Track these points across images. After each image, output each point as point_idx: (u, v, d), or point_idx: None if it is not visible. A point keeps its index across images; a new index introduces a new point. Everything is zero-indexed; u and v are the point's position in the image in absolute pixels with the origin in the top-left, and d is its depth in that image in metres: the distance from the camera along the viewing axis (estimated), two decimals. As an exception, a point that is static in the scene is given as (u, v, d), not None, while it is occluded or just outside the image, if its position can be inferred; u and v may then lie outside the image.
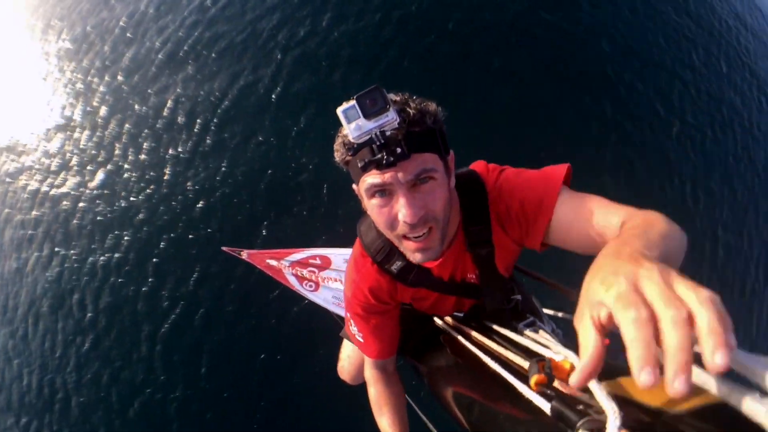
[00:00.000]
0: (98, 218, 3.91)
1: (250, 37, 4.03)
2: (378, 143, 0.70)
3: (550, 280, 1.15)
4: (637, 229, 0.61)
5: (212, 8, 4.35)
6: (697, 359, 0.33)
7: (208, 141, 3.82)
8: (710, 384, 0.38)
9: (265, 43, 3.98)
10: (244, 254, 3.06)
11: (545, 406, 0.59)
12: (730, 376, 0.35)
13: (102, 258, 3.76)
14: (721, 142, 4.58)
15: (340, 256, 3.04)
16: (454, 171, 0.86)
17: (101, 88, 4.44)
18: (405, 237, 0.81)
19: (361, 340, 1.15)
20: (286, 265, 3.01)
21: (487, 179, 0.93)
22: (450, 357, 1.16)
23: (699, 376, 0.38)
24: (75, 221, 3.97)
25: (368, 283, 1.05)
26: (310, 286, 2.98)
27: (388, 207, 0.77)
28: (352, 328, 1.15)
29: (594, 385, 0.52)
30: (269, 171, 3.64)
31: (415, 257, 0.84)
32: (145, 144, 3.99)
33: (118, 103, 4.29)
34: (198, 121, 3.90)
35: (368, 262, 1.03)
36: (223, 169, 3.71)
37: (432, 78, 3.81)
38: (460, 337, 1.06)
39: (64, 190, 4.16)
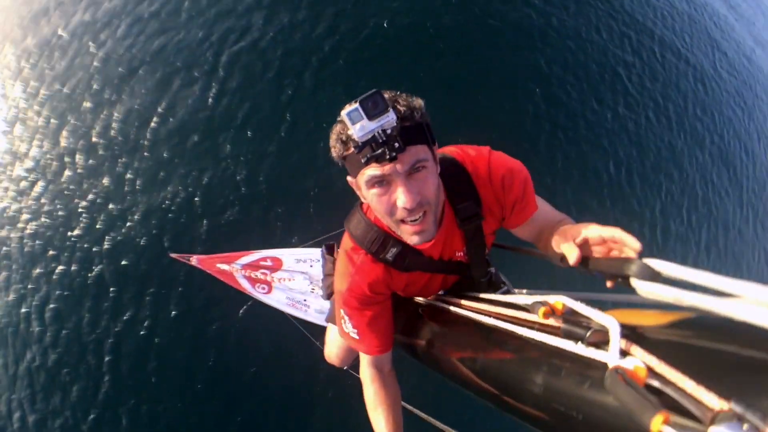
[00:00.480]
0: (42, 226, 3.73)
1: (200, 40, 3.93)
2: (381, 140, 0.77)
3: (524, 249, 1.25)
4: (567, 226, 0.93)
5: (164, 13, 4.21)
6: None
7: (155, 146, 3.70)
8: (682, 297, 0.54)
9: (204, 45, 3.90)
10: (194, 260, 3.02)
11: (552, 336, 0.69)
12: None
13: (45, 267, 3.60)
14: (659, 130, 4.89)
15: (291, 256, 3.06)
16: (438, 159, 0.94)
17: (45, 94, 4.22)
18: (403, 222, 0.89)
19: (357, 337, 1.15)
20: (238, 269, 3.00)
21: (466, 161, 1.03)
22: (442, 327, 1.18)
23: (671, 293, 0.56)
24: (17, 232, 3.78)
25: (364, 274, 1.08)
26: (263, 289, 2.99)
27: (387, 195, 0.85)
28: (346, 326, 1.16)
29: (592, 310, 0.66)
30: (214, 173, 3.57)
31: (413, 239, 0.92)
32: (89, 149, 3.83)
33: (63, 110, 4.09)
34: (138, 124, 3.76)
35: (362, 253, 1.08)
36: (168, 173, 3.61)
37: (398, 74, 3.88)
38: (452, 308, 1.11)
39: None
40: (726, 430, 0.41)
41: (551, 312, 0.73)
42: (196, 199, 3.51)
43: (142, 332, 3.36)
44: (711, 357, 0.51)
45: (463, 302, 1.09)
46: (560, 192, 4.03)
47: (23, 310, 3.63)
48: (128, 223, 3.52)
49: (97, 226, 3.57)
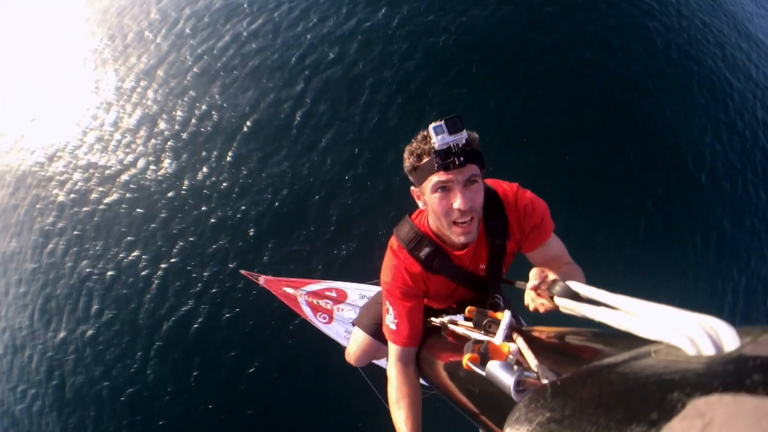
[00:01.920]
0: (115, 226, 4.00)
1: (294, 62, 4.10)
2: (453, 150, 1.02)
3: (518, 282, 1.34)
4: (564, 269, 1.23)
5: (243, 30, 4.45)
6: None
7: (239, 164, 3.89)
8: (576, 307, 0.72)
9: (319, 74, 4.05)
10: (261, 279, 3.08)
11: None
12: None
13: (115, 267, 3.84)
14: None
15: (356, 291, 3.04)
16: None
17: (133, 99, 4.57)
18: (455, 223, 1.10)
19: (394, 327, 1.31)
20: (302, 294, 3.02)
21: (499, 190, 1.27)
22: (443, 340, 1.33)
23: (569, 304, 0.75)
24: (91, 229, 4.08)
25: (406, 265, 1.27)
26: (324, 318, 2.98)
27: (447, 199, 1.07)
28: (388, 317, 1.33)
29: (505, 314, 0.89)
30: (297, 200, 3.67)
31: (460, 239, 1.13)
32: (175, 154, 4.07)
33: (148, 114, 4.41)
34: (225, 138, 3.97)
35: (404, 250, 1.28)
36: (254, 193, 3.75)
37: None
38: (451, 326, 1.25)
39: (83, 194, 4.28)
40: (496, 365, 0.64)
41: (474, 311, 1.00)
42: (272, 220, 3.61)
43: (192, 336, 3.48)
44: (567, 348, 0.71)
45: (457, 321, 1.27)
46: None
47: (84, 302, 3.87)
48: (201, 232, 3.68)
49: (173, 231, 3.75)
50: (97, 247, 4.05)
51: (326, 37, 4.24)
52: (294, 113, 3.97)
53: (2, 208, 5.00)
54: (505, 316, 0.87)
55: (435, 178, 1.05)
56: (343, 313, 3.03)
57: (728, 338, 0.36)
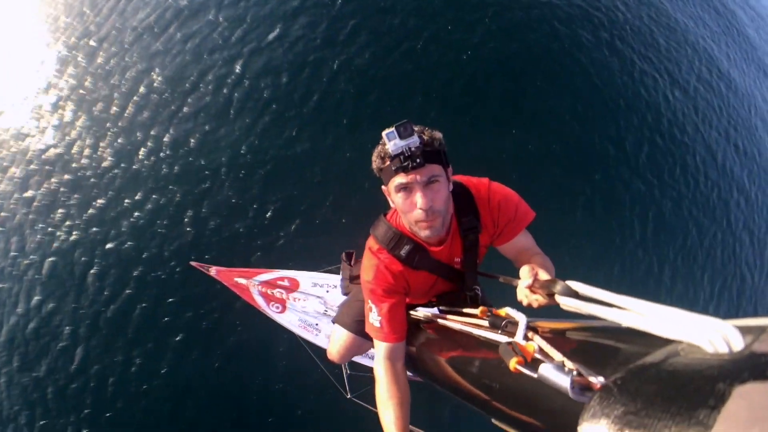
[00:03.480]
0: (56, 212, 3.82)
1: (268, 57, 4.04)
2: (407, 154, 1.07)
3: (502, 276, 1.41)
4: (539, 260, 1.28)
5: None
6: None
7: (185, 149, 3.78)
8: (581, 306, 0.76)
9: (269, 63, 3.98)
10: (213, 270, 3.04)
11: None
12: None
13: (67, 260, 3.68)
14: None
15: (309, 279, 3.06)
16: (451, 180, 1.22)
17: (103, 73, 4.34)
18: (418, 220, 1.15)
19: (378, 325, 1.34)
20: (255, 284, 3.01)
21: (470, 186, 1.31)
22: (431, 335, 1.41)
23: (576, 303, 0.78)
24: (30, 216, 3.88)
25: (386, 264, 1.32)
26: (277, 308, 2.99)
27: (409, 199, 1.13)
28: (372, 316, 1.36)
29: (516, 313, 0.97)
30: (246, 189, 3.62)
31: (425, 233, 1.19)
32: (114, 140, 3.91)
33: (85, 95, 4.20)
34: (186, 136, 3.86)
35: (383, 250, 1.32)
36: (201, 187, 3.67)
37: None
38: (440, 320, 1.34)
39: (21, 180, 4.05)
40: (550, 368, 0.67)
41: (486, 312, 1.04)
42: (221, 209, 3.55)
43: (154, 333, 3.40)
44: (585, 344, 0.77)
45: (450, 317, 1.33)
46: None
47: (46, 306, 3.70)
48: (155, 227, 3.59)
49: (123, 227, 3.63)
50: (37, 236, 3.86)
51: (270, 16, 4.18)
52: (242, 93, 3.90)
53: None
54: (521, 318, 0.92)
55: (396, 180, 1.12)
56: (296, 302, 3.05)
57: (735, 339, 0.44)
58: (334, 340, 2.12)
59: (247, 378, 3.32)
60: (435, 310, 1.50)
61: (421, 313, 1.53)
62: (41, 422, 3.37)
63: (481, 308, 1.15)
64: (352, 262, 2.14)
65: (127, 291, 3.47)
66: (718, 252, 4.83)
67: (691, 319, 0.51)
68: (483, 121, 4.05)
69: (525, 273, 1.02)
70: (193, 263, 3.08)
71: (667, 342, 0.54)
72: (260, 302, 3.01)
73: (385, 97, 3.94)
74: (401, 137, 1.06)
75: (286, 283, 3.03)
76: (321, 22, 4.17)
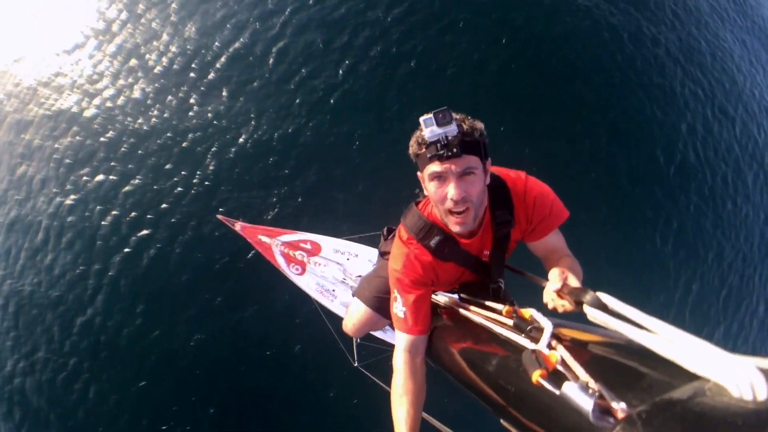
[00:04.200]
0: (106, 172, 3.91)
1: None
2: (443, 143, 1.04)
3: (529, 274, 1.40)
4: (568, 263, 1.22)
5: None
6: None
7: (238, 109, 3.84)
8: (609, 322, 0.74)
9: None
10: (238, 226, 3.08)
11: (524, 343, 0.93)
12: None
13: (102, 212, 3.77)
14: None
15: (331, 244, 3.08)
16: (489, 172, 1.17)
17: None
18: (450, 212, 1.12)
19: (402, 315, 1.31)
20: (277, 244, 3.04)
21: (507, 179, 1.27)
22: (447, 322, 1.38)
23: (604, 318, 0.76)
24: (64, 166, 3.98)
25: (416, 254, 1.29)
26: (297, 269, 3.02)
27: (442, 188, 1.09)
28: (396, 305, 1.33)
29: (542, 317, 0.93)
30: (284, 153, 3.66)
31: (456, 228, 1.17)
32: (164, 101, 3.99)
33: (126, 46, 4.28)
34: (225, 88, 3.91)
35: (413, 240, 1.30)
36: (241, 142, 3.72)
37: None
38: (461, 311, 1.31)
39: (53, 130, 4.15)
40: (574, 387, 0.65)
41: (512, 312, 0.99)
42: (254, 168, 3.60)
43: (160, 277, 3.49)
44: (608, 362, 0.75)
45: (472, 308, 1.30)
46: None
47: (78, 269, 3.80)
48: (181, 171, 3.67)
49: (155, 166, 3.72)
50: (69, 187, 3.96)
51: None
52: (282, 67, 3.92)
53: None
54: (547, 325, 0.89)
55: (431, 168, 1.08)
56: (316, 267, 3.07)
57: (761, 387, 0.43)
58: (351, 313, 2.11)
59: (258, 337, 3.38)
60: (456, 297, 1.48)
61: (441, 298, 1.51)
62: (69, 384, 3.48)
63: (506, 307, 1.11)
64: (388, 238, 2.09)
65: (156, 244, 3.56)
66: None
67: (720, 357, 0.49)
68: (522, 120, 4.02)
69: (554, 276, 1.00)
70: (219, 216, 3.13)
71: (693, 376, 0.52)
72: (281, 262, 3.04)
73: (427, 74, 3.94)
74: (439, 124, 1.02)
75: (308, 246, 3.06)
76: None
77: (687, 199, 4.44)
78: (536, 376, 0.75)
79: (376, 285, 1.88)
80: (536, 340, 0.88)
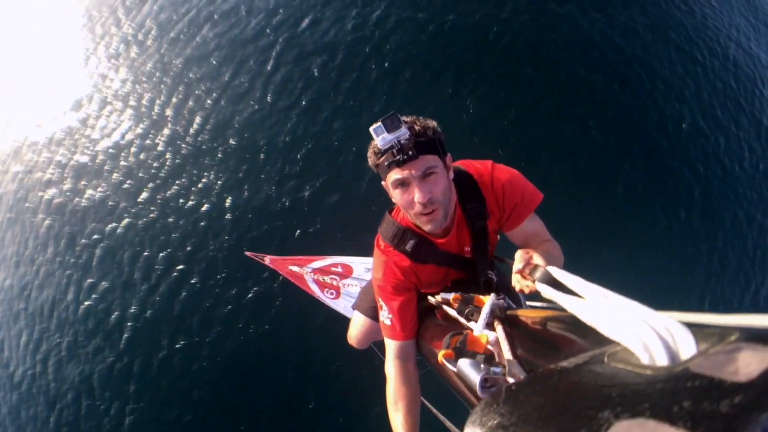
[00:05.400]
0: (121, 219, 3.99)
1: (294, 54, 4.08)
2: (397, 148, 1.03)
3: (507, 260, 1.37)
4: (544, 247, 1.25)
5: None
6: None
7: (236, 144, 3.87)
8: (551, 295, 0.71)
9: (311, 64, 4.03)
10: (267, 260, 3.10)
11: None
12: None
13: (126, 247, 3.85)
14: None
15: (361, 264, 3.07)
16: (451, 167, 1.17)
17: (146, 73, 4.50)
18: (419, 215, 1.12)
19: (389, 323, 1.32)
20: (308, 272, 3.04)
21: (473, 171, 1.26)
22: (437, 322, 1.34)
23: (551, 292, 0.72)
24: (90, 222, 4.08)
25: (395, 260, 1.30)
26: (331, 294, 3.02)
27: (407, 194, 1.09)
28: (383, 314, 1.34)
29: (488, 300, 0.92)
30: (298, 178, 3.67)
31: (427, 227, 1.18)
32: (185, 141, 4.05)
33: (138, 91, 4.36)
34: (228, 125, 3.94)
35: (390, 247, 1.30)
36: (250, 175, 3.74)
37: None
38: (444, 307, 1.26)
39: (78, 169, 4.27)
40: (466, 363, 0.66)
41: (452, 357, 0.95)
42: (273, 200, 3.61)
43: (205, 319, 3.53)
44: (545, 338, 0.72)
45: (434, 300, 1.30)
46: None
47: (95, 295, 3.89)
48: (211, 217, 3.70)
49: (181, 219, 3.75)
50: (92, 224, 4.08)
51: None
52: (300, 101, 3.95)
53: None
54: (486, 306, 0.89)
55: (392, 176, 1.08)
56: (350, 288, 3.06)
57: (685, 345, 0.35)
58: (352, 325, 2.17)
59: (296, 356, 3.42)
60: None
61: (434, 299, 1.48)
62: (89, 399, 3.61)
63: (453, 296, 1.12)
64: None
65: (187, 283, 3.61)
66: None
67: (640, 316, 0.42)
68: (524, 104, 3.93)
69: (518, 257, 0.98)
70: (247, 253, 3.15)
71: (610, 342, 0.45)
72: (315, 289, 3.04)
73: (423, 74, 3.89)
74: (389, 130, 1.01)
75: (339, 269, 3.05)
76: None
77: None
78: (440, 356, 0.80)
79: (372, 295, 1.91)
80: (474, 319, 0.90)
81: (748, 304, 4.15)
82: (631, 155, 3.98)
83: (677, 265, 3.94)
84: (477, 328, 0.84)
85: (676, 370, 0.32)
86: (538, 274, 0.85)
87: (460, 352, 0.78)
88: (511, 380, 0.58)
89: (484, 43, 4.05)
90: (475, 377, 0.63)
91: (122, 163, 4.19)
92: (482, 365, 0.66)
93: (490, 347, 0.75)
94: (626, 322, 0.42)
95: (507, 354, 0.69)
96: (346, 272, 3.04)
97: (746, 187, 4.36)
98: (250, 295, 3.48)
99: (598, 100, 4.05)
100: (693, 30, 4.77)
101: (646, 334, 0.38)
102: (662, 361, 0.34)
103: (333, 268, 3.05)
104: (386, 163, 1.06)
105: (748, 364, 0.27)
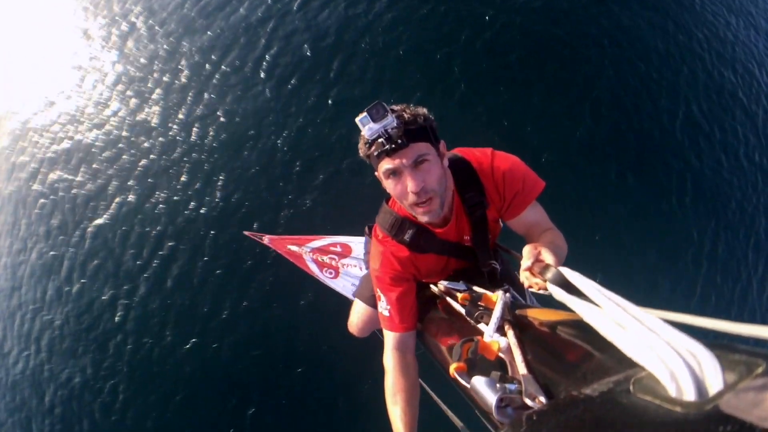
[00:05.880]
0: (124, 198, 3.98)
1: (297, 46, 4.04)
2: (385, 137, 1.00)
3: (514, 252, 1.39)
4: (548, 238, 1.19)
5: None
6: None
7: (237, 129, 3.86)
8: (565, 299, 0.67)
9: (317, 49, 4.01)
10: (266, 239, 3.09)
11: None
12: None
13: (121, 238, 3.84)
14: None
15: (360, 244, 3.07)
16: (445, 155, 1.14)
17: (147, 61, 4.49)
18: (414, 204, 1.09)
19: (388, 314, 1.30)
20: (307, 251, 3.04)
21: (472, 159, 1.23)
22: (441, 315, 1.33)
23: (563, 296, 0.69)
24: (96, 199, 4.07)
25: (392, 250, 1.28)
26: (330, 273, 3.02)
27: (400, 184, 1.06)
28: (381, 305, 1.32)
29: (500, 303, 0.89)
30: (294, 158, 3.65)
31: (423, 218, 1.14)
32: (172, 127, 4.04)
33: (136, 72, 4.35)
34: (228, 110, 3.92)
35: (388, 237, 1.28)
36: (250, 155, 3.72)
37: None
38: (448, 299, 1.25)
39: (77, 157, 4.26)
40: (481, 382, 0.62)
41: (465, 370, 0.88)
42: (271, 179, 3.60)
43: (207, 303, 3.53)
44: (559, 348, 0.69)
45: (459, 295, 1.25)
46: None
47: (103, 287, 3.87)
48: (209, 199, 3.69)
49: (178, 200, 3.75)
50: (93, 211, 4.06)
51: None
52: (288, 81, 3.92)
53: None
54: (496, 308, 0.86)
55: (383, 166, 1.05)
56: (349, 268, 3.07)
57: (712, 376, 0.33)
58: (353, 313, 2.16)
59: (295, 340, 3.42)
60: (461, 285, 1.38)
61: (436, 288, 1.45)
62: (89, 381, 3.62)
63: (462, 294, 1.09)
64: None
65: (184, 260, 3.61)
66: None
67: (659, 334, 0.40)
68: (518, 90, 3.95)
69: (526, 253, 0.94)
70: (246, 233, 3.14)
71: (634, 365, 0.43)
72: (313, 269, 3.04)
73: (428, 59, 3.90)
74: (375, 120, 0.98)
75: (338, 249, 3.05)
76: None
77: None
78: (452, 369, 0.73)
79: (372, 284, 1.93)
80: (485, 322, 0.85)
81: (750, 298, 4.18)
82: (625, 148, 4.01)
83: (678, 257, 3.97)
84: (488, 332, 0.81)
85: (705, 409, 0.30)
86: (549, 274, 0.81)
87: (472, 364, 0.75)
88: (527, 401, 0.56)
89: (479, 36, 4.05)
90: (491, 398, 0.59)
91: (118, 146, 4.17)
92: (498, 384, 0.63)
93: (501, 355, 0.73)
94: (650, 344, 0.40)
95: (521, 367, 0.66)
96: (345, 252, 3.04)
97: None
98: (247, 278, 3.50)
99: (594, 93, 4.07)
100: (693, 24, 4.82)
101: (673, 362, 0.36)
102: (690, 394, 0.33)
103: (332, 248, 3.05)
104: (376, 153, 1.04)
105: None
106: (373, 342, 2.68)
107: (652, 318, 0.45)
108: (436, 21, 4.02)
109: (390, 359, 1.29)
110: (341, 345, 3.32)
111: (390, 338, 1.31)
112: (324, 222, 3.39)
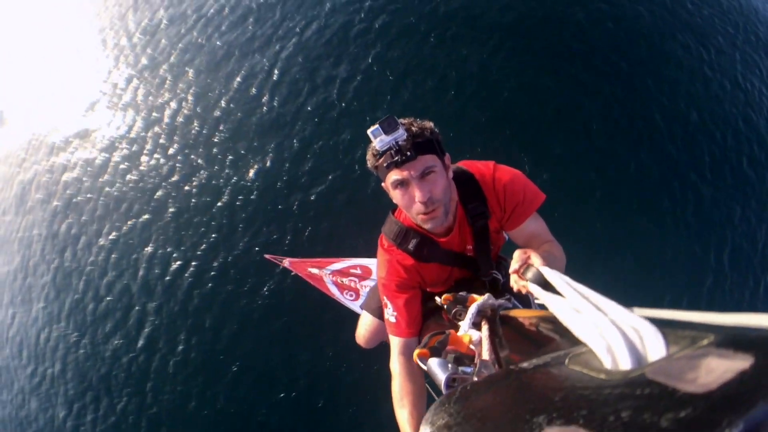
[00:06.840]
0: (144, 218, 4.04)
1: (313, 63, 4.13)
2: (395, 149, 1.06)
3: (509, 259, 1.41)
4: (546, 248, 1.25)
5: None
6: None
7: (256, 149, 3.94)
8: (540, 294, 0.70)
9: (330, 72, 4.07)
10: (286, 262, 3.13)
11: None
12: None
13: (141, 261, 3.89)
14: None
15: (380, 266, 3.12)
16: (450, 167, 1.20)
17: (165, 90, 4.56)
18: (420, 213, 1.13)
19: (394, 320, 1.34)
20: (327, 274, 3.08)
21: (474, 171, 1.28)
22: (442, 323, 1.33)
23: (538, 292, 0.73)
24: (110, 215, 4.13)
25: (398, 258, 1.33)
26: (351, 296, 3.05)
27: (407, 194, 1.12)
28: (388, 311, 1.37)
29: (481, 299, 0.93)
30: (313, 182, 3.72)
31: (428, 225, 1.19)
32: (191, 149, 4.10)
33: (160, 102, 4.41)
34: (248, 130, 4.01)
35: (393, 246, 1.33)
36: (269, 179, 3.79)
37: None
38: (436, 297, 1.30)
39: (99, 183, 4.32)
40: (436, 361, 0.66)
41: (427, 355, 0.93)
42: (291, 203, 3.66)
43: (222, 323, 3.58)
44: (530, 339, 0.72)
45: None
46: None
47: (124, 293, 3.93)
48: (230, 222, 3.77)
49: (201, 223, 3.82)
50: (114, 234, 4.14)
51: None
52: (307, 106, 4.01)
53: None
54: (473, 306, 0.91)
55: (392, 177, 1.11)
56: (369, 290, 3.10)
57: (654, 348, 0.32)
58: (360, 325, 2.21)
59: (318, 359, 3.45)
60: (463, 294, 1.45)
61: (439, 299, 1.48)
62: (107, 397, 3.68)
63: (444, 296, 1.14)
64: None
65: (207, 285, 3.66)
66: None
67: (609, 314, 0.40)
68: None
69: (515, 256, 0.98)
70: (267, 256, 3.19)
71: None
72: (334, 291, 3.08)
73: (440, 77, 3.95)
74: (386, 132, 1.04)
75: (358, 271, 3.08)
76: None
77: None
78: (415, 355, 0.82)
79: (379, 295, 1.97)
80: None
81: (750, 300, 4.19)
82: (637, 152, 4.05)
83: (678, 261, 3.99)
84: (462, 327, 0.86)
85: (630, 376, 0.30)
86: (530, 274, 0.86)
87: (437, 352, 0.79)
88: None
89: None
90: (441, 376, 0.63)
91: (138, 164, 4.25)
92: (450, 365, 0.67)
93: (472, 347, 0.75)
94: (595, 323, 0.40)
95: (485, 354, 0.69)
96: (365, 274, 3.08)
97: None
98: (265, 297, 3.54)
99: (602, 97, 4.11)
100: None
101: (611, 335, 0.36)
102: (626, 365, 0.32)
103: (352, 270, 3.08)
104: (385, 165, 1.09)
105: (710, 372, 0.25)
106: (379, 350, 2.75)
107: (610, 303, 0.45)
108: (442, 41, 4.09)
109: (396, 364, 1.33)
110: (350, 356, 3.38)
111: (396, 344, 1.35)
112: (344, 245, 3.42)
